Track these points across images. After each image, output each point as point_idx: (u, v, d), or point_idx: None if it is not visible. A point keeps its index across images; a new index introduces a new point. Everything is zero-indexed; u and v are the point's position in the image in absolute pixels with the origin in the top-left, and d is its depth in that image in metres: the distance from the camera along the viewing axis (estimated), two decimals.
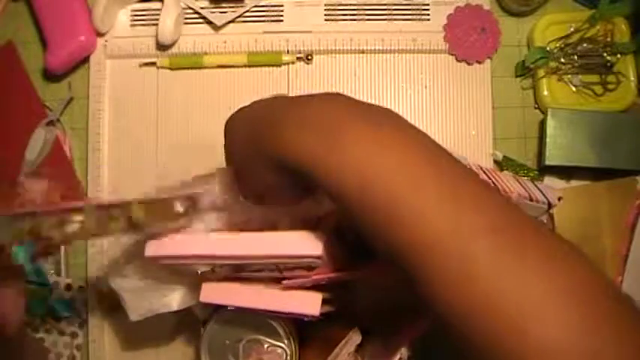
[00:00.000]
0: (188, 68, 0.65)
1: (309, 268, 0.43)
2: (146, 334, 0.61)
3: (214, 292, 0.46)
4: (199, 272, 0.44)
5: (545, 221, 0.60)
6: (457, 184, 0.30)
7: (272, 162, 0.35)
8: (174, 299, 0.50)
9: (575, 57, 0.62)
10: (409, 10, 0.65)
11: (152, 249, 0.44)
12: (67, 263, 0.63)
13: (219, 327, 0.50)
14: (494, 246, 0.27)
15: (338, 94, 0.35)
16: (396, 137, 0.32)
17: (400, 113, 0.65)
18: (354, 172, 0.31)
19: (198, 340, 0.52)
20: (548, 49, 0.62)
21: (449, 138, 0.63)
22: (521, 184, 0.45)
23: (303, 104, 0.35)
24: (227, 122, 0.41)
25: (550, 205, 0.46)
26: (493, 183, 0.43)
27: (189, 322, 0.60)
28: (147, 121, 0.65)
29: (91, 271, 0.62)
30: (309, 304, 0.44)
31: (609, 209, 0.60)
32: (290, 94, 0.64)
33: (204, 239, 0.42)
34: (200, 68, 0.65)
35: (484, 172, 0.44)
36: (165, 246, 0.43)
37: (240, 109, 0.41)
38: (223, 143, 0.42)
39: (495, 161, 0.63)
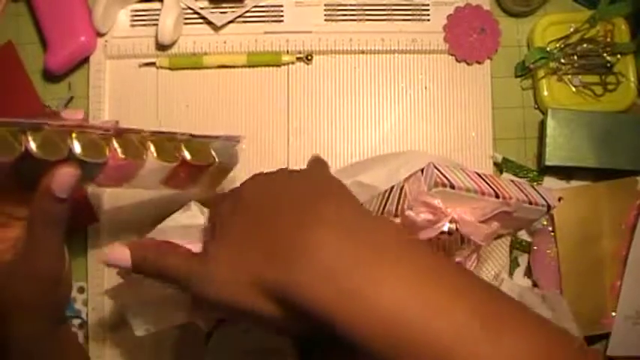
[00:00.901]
0: (188, 68, 0.65)
1: None
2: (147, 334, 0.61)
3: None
4: None
5: (545, 222, 0.60)
6: (487, 305, 0.30)
7: (273, 294, 0.33)
8: (179, 313, 0.50)
9: (575, 57, 0.62)
10: (409, 10, 0.65)
11: None
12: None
13: (223, 339, 0.50)
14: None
15: (335, 215, 0.33)
16: (413, 271, 0.31)
17: (400, 113, 0.66)
18: (382, 320, 0.29)
19: (201, 341, 0.52)
20: (548, 49, 0.62)
21: (449, 138, 0.63)
22: (519, 189, 0.45)
23: (313, 242, 0.32)
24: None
25: (549, 208, 0.46)
26: (492, 189, 0.43)
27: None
28: (147, 121, 0.64)
29: (90, 271, 0.62)
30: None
31: (609, 209, 0.60)
32: (290, 95, 0.64)
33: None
34: (200, 68, 0.65)
35: (482, 178, 0.44)
36: None
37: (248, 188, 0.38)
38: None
39: (495, 163, 0.63)
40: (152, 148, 0.43)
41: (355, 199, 0.36)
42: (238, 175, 0.52)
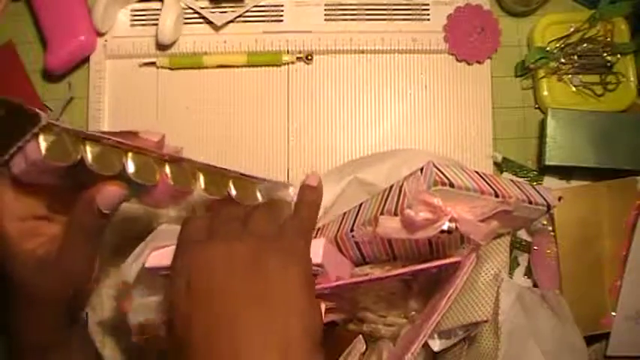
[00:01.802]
0: (188, 68, 0.65)
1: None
2: None
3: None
4: None
5: (545, 222, 0.60)
6: None
7: None
8: None
9: (575, 57, 0.62)
10: (409, 10, 0.65)
11: (152, 261, 0.43)
12: None
13: None
14: None
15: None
16: None
17: (400, 113, 0.66)
18: None
19: None
20: (548, 49, 0.62)
21: (449, 138, 0.63)
22: (519, 188, 0.45)
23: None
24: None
25: (549, 207, 0.46)
26: (492, 188, 0.43)
27: None
28: (147, 121, 0.64)
29: None
30: None
31: (609, 209, 0.60)
32: (290, 95, 0.64)
33: None
34: (200, 68, 0.65)
35: (482, 177, 0.44)
36: (165, 258, 0.43)
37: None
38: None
39: (495, 163, 0.63)
40: (202, 179, 0.44)
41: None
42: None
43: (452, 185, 0.41)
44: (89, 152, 0.37)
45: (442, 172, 0.41)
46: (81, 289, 0.42)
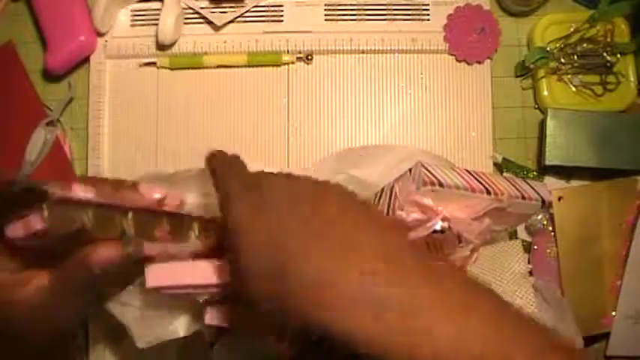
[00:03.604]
0: (188, 68, 0.65)
1: None
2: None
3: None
4: (201, 301, 0.43)
5: (545, 222, 0.60)
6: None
7: (298, 321, 0.31)
8: (181, 325, 0.49)
9: (575, 57, 0.62)
10: (409, 10, 0.65)
11: (153, 280, 0.43)
12: None
13: (226, 349, 0.50)
14: None
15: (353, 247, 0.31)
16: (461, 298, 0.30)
17: (400, 113, 0.66)
18: (404, 343, 0.28)
19: (204, 350, 0.51)
20: (548, 49, 0.62)
21: (449, 138, 0.63)
22: (512, 184, 0.45)
23: (347, 274, 0.30)
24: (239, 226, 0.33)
25: (544, 202, 0.46)
26: (483, 186, 0.43)
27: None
28: (147, 121, 0.65)
29: None
30: None
31: (609, 209, 0.60)
32: (290, 95, 0.64)
33: (204, 268, 0.41)
34: (200, 68, 0.65)
35: (473, 175, 0.44)
36: (167, 276, 0.42)
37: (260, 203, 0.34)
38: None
39: (495, 163, 0.63)
40: (196, 229, 0.42)
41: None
42: None
43: (441, 185, 0.41)
44: (90, 219, 0.36)
45: (430, 172, 0.41)
46: (64, 335, 0.42)
